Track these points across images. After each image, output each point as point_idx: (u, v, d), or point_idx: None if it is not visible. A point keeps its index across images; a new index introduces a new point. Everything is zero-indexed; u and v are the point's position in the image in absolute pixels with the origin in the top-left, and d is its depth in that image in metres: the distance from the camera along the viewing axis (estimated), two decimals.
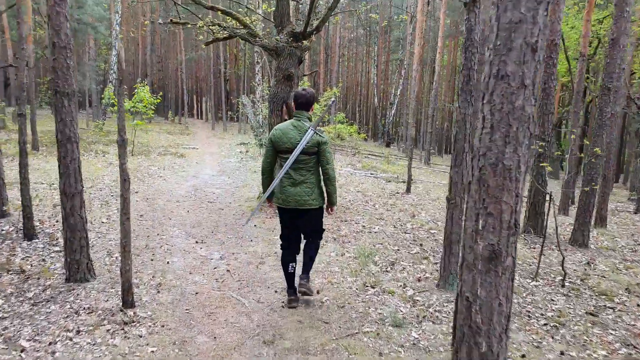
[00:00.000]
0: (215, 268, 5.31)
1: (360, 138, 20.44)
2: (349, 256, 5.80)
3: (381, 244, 6.45)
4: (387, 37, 40.85)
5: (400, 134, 36.19)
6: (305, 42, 8.45)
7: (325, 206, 4.09)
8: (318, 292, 4.52)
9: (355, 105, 44.95)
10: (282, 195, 3.88)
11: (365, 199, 10.04)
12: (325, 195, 4.03)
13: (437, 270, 5.29)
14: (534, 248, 6.56)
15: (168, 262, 5.42)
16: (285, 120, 7.63)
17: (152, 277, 4.92)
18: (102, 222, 6.99)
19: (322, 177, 3.95)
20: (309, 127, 3.76)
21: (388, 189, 11.91)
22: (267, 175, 4.06)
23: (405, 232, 7.26)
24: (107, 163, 12.89)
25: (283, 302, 4.26)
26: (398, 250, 6.19)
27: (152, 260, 5.48)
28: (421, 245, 6.52)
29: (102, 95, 16.43)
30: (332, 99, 5.57)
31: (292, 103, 3.99)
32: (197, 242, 6.30)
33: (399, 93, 33.74)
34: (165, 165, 13.39)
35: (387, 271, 5.32)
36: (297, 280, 4.25)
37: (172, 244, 6.17)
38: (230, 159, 16.11)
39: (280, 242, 4.17)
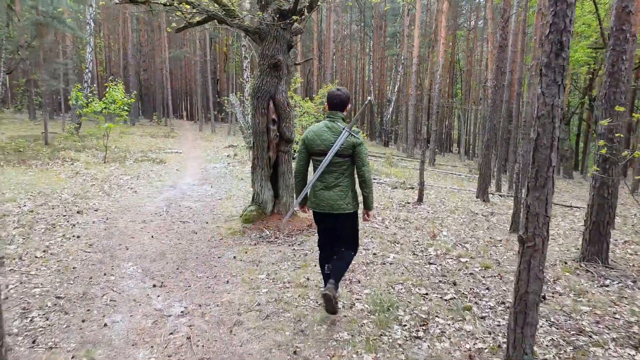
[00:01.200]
0: (171, 334, 3.68)
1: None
2: (361, 309, 4.16)
3: (402, 284, 4.81)
4: (381, 33, 39.25)
5: (399, 132, 34.59)
6: (296, 23, 6.79)
7: (361, 212, 3.93)
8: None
9: (351, 104, 43.34)
10: (315, 199, 3.78)
11: (372, 212, 8.38)
12: (359, 199, 3.80)
13: (493, 338, 3.65)
14: (606, 286, 4.93)
15: (106, 325, 3.80)
16: (273, 120, 5.90)
17: (72, 358, 3.27)
18: (35, 257, 5.32)
19: (357, 180, 3.80)
20: (343, 128, 3.62)
21: (396, 198, 10.27)
22: (301, 179, 3.92)
23: (430, 263, 5.62)
24: (74, 172, 11.19)
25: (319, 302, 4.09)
26: (427, 295, 4.54)
27: (83, 321, 3.85)
28: (455, 284, 4.88)
29: (70, 96, 14.67)
30: (369, 98, 4.50)
31: (326, 104, 3.81)
32: (154, 285, 4.66)
33: (396, 90, 32.14)
34: (139, 174, 11.69)
35: (418, 337, 3.67)
36: None
37: (120, 289, 4.54)
38: (215, 164, 14.42)
39: (318, 240, 4.12)
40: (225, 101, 18.54)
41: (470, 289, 4.74)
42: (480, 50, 42.06)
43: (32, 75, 16.09)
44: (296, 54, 27.98)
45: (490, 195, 11.39)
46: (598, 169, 5.35)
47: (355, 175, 3.82)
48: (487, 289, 4.76)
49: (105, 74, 31.79)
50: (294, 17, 6.18)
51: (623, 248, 6.91)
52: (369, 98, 4.81)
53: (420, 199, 9.51)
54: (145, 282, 4.76)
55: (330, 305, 3.66)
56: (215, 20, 6.95)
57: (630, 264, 5.76)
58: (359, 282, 4.83)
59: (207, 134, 27.08)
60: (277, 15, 6.34)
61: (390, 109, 31.77)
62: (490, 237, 7.09)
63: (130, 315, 3.97)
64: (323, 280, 4.08)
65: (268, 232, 6.42)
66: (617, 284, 4.98)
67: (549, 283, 4.91)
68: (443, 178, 16.77)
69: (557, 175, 25.02)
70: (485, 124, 28.39)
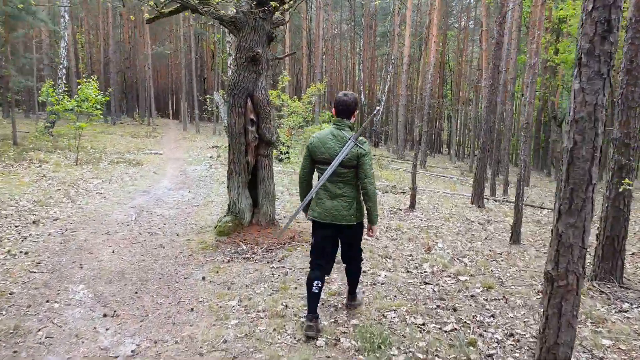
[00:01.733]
0: None
1: None
2: (348, 346, 3.50)
3: (395, 310, 4.15)
4: (372, 32, 38.67)
5: (389, 133, 34.03)
6: (277, 13, 6.12)
7: (365, 225, 3.83)
8: None
9: None
10: (318, 208, 3.64)
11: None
12: (364, 211, 3.73)
13: None
14: (625, 311, 4.32)
15: None
16: (252, 120, 5.15)
17: None
18: None
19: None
20: (349, 138, 3.50)
21: (386, 203, 9.62)
22: (305, 185, 3.80)
23: (426, 282, 4.97)
24: (39, 176, 10.38)
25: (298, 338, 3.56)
26: (424, 326, 3.89)
27: None
28: (455, 310, 4.23)
29: (40, 92, 13.81)
30: (378, 108, 3.95)
31: (333, 109, 3.69)
32: (105, 315, 3.96)
33: (386, 90, 31.56)
34: (112, 178, 10.92)
35: None
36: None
37: (62, 320, 3.84)
38: (196, 167, 13.69)
39: (310, 259, 3.76)
40: (208, 99, 17.79)
41: (473, 316, 4.10)
42: (471, 50, 41.71)
43: (5, 72, 15.19)
44: (284, 52, 27.26)
45: (485, 200, 10.80)
46: (628, 181, 4.74)
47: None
48: (492, 316, 4.13)
49: (86, 70, 30.85)
50: (273, 4, 5.50)
51: (632, 262, 6.34)
52: (377, 107, 4.28)
53: (412, 205, 8.88)
54: (95, 310, 4.05)
55: (314, 333, 3.57)
56: (201, 16, 6.25)
57: None
58: (344, 309, 4.17)
59: (191, 133, 26.23)
60: (255, 2, 5.66)
61: (381, 109, 31.16)
62: (490, 250, 6.48)
63: (68, 359, 3.27)
64: (307, 304, 3.64)
65: (244, 247, 5.73)
66: (636, 307, 4.38)
67: None
68: (435, 181, 16.18)
69: (548, 177, 24.64)
70: (476, 125, 28.03)
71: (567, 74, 23.97)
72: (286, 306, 4.15)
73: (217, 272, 5.01)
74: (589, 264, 5.75)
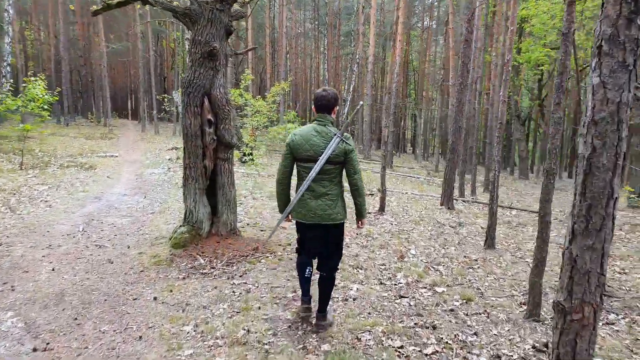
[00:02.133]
0: None
1: None
2: None
3: (370, 331, 3.75)
4: (336, 32, 38.41)
5: (355, 133, 33.84)
6: (236, 5, 5.64)
7: (355, 220, 3.76)
8: None
9: (307, 103, 42.26)
10: (302, 210, 3.51)
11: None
12: (346, 208, 3.64)
13: None
14: (612, 324, 4.05)
15: None
16: (209, 120, 4.48)
17: None
18: None
19: (348, 188, 3.60)
20: (334, 134, 3.40)
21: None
22: (284, 186, 3.67)
23: (401, 296, 4.59)
24: None
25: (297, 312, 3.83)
26: (402, 349, 3.49)
27: None
28: (434, 328, 3.86)
29: None
30: (361, 102, 3.66)
31: (313, 106, 3.58)
32: (35, 349, 3.41)
33: (351, 89, 31.31)
34: (61, 183, 10.12)
35: None
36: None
37: None
38: (154, 170, 12.97)
39: (297, 247, 3.81)
40: (165, 99, 17.01)
41: (455, 335, 3.74)
42: (434, 50, 42.04)
43: None
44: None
45: (454, 201, 10.58)
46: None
47: (345, 183, 3.63)
48: (475, 334, 3.78)
49: (36, 69, 29.27)
50: None
51: (610, 265, 6.16)
52: (361, 102, 4.02)
53: (382, 208, 8.53)
54: (23, 343, 3.48)
55: (311, 313, 3.74)
56: (159, 12, 5.67)
57: (625, 287, 4.96)
58: (316, 330, 3.73)
59: (149, 134, 25.21)
60: None
61: (346, 109, 30.87)
62: (465, 256, 6.17)
63: None
64: (301, 287, 3.83)
65: (202, 261, 5.21)
66: (622, 318, 4.13)
67: (546, 321, 3.98)
68: (402, 181, 15.96)
69: (512, 176, 24.93)
70: (441, 124, 28.13)
71: (528, 74, 24.31)
72: (248, 331, 3.68)
73: (171, 291, 4.48)
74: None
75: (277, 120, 19.50)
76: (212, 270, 5.04)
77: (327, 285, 3.70)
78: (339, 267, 3.82)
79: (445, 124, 25.29)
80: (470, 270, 5.57)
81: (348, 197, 3.77)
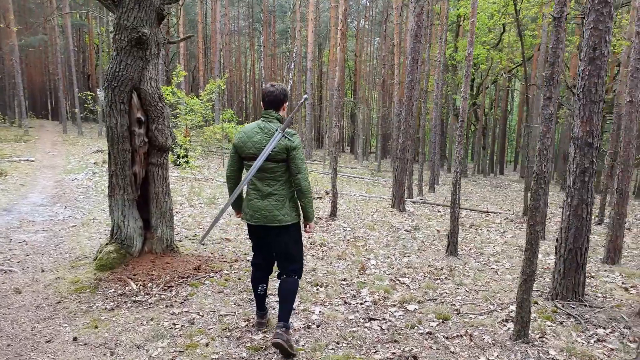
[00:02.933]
0: None
1: None
2: None
3: None
4: (271, 30, 37.64)
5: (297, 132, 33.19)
6: None
7: (296, 222, 3.38)
8: None
9: (243, 102, 41.15)
10: (250, 210, 3.32)
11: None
12: (299, 211, 3.40)
13: None
14: (603, 340, 3.69)
15: None
16: (139, 120, 4.73)
17: None
18: None
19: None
20: (276, 129, 3.18)
21: None
22: (233, 184, 3.46)
23: (370, 318, 4.03)
24: None
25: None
26: None
27: None
28: (415, 358, 3.32)
29: None
30: (305, 96, 3.00)
31: (261, 103, 3.38)
32: None
33: (289, 88, 30.68)
34: None
35: None
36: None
37: None
38: (77, 175, 11.69)
39: (250, 259, 3.67)
40: (90, 97, 15.57)
41: None
42: (369, 50, 42.30)
43: None
44: (177, 50, 25.19)
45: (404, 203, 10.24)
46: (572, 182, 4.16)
47: None
48: None
49: None
50: None
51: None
52: (305, 96, 3.47)
53: (333, 213, 7.98)
54: None
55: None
56: (85, 4, 4.73)
57: (604, 297, 4.69)
58: (276, 349, 3.09)
59: (72, 136, 23.22)
60: None
61: (308, 98, 30.22)
62: (429, 265, 5.73)
63: None
64: (255, 302, 3.69)
65: (134, 286, 4.38)
66: (611, 333, 3.80)
67: (535, 342, 3.56)
68: (347, 182, 15.52)
69: (449, 173, 25.30)
70: (382, 123, 28.14)
71: (462, 73, 24.73)
72: None
73: (96, 327, 3.65)
74: (547, 281, 5.20)
75: (212, 120, 18.48)
76: (147, 296, 4.24)
77: (287, 290, 3.34)
78: (299, 270, 3.44)
79: (386, 124, 25.28)
80: (438, 281, 5.12)
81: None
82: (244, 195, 3.47)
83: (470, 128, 30.24)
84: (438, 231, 7.87)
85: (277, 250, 3.41)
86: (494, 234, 8.02)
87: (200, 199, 9.24)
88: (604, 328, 3.85)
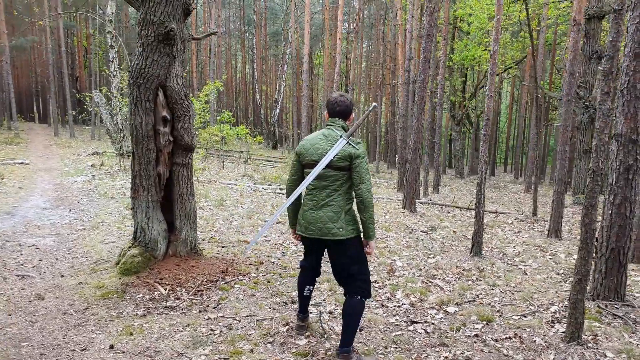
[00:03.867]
0: None
1: (255, 141, 16.66)
2: None
3: None
4: (262, 32, 37.46)
5: (287, 134, 33.10)
6: None
7: (353, 237, 3.08)
8: None
9: (236, 104, 40.88)
10: (304, 222, 3.16)
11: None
12: (357, 225, 3.11)
13: None
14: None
15: None
16: (165, 118, 4.57)
17: None
18: None
19: (355, 200, 3.11)
20: (340, 136, 3.03)
21: None
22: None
23: (412, 321, 3.91)
24: None
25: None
26: None
27: None
28: None
29: None
30: (374, 104, 2.85)
31: (325, 112, 3.28)
32: None
33: (282, 90, 30.57)
34: None
35: None
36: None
37: None
38: (76, 178, 11.41)
39: (300, 260, 3.53)
40: (87, 98, 15.28)
41: None
42: (360, 52, 42.32)
43: None
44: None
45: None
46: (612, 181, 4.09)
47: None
48: None
49: None
50: None
51: None
52: (373, 104, 3.34)
53: None
54: None
55: (305, 330, 3.50)
56: (77, 5, 4.54)
57: (632, 293, 4.62)
58: None
59: (64, 139, 22.79)
60: None
61: (278, 110, 30.06)
62: (457, 266, 5.63)
63: None
64: (298, 303, 3.58)
65: (163, 291, 4.21)
66: None
67: (589, 344, 3.47)
68: None
69: (445, 174, 25.38)
70: (387, 128, 28.04)
71: (456, 75, 24.80)
72: None
73: (131, 334, 3.48)
74: (560, 273, 5.13)
75: (208, 121, 18.24)
76: (178, 301, 4.07)
77: (348, 313, 3.09)
78: (363, 289, 3.09)
79: (391, 127, 25.19)
80: (470, 282, 5.02)
81: None
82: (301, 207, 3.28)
83: (463, 130, 30.40)
84: (454, 232, 7.78)
85: (336, 268, 3.20)
86: (510, 234, 7.96)
87: (208, 201, 9.06)
88: None
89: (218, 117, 17.00)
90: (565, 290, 4.73)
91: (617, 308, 4.13)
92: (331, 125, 3.17)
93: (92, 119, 23.88)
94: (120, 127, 14.46)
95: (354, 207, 3.15)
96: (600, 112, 3.12)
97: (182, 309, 3.94)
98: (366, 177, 3.02)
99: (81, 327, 3.59)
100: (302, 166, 3.23)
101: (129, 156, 14.14)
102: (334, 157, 3.00)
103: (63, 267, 5.00)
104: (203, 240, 6.14)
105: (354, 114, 3.29)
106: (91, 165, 13.59)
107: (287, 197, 3.34)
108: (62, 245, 5.90)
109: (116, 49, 14.74)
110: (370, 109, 3.32)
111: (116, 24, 18.91)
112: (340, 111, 3.17)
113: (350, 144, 3.01)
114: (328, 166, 3.02)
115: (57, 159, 15.38)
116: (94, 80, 26.66)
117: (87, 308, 3.92)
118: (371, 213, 3.05)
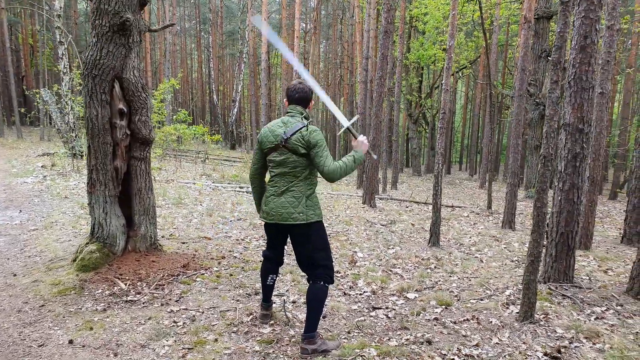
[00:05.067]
0: None
1: (214, 140, 16.41)
2: None
3: (362, 356, 3.09)
4: (219, 30, 37.00)
5: (244, 134, 32.84)
6: None
7: (313, 222, 3.10)
8: None
9: (193, 104, 40.18)
10: (266, 208, 3.20)
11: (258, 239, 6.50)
12: (318, 211, 3.16)
13: None
14: (603, 318, 3.84)
15: None
16: (121, 111, 4.51)
17: None
18: None
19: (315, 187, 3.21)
20: (299, 121, 3.10)
21: None
22: (256, 184, 3.40)
23: (374, 307, 3.99)
24: None
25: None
26: None
27: None
28: (430, 343, 3.32)
29: None
30: (357, 116, 3.01)
31: (285, 99, 3.29)
32: None
33: (240, 89, 30.30)
34: None
35: None
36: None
37: None
38: (25, 179, 10.93)
39: (263, 250, 3.55)
40: (37, 95, 14.68)
41: (457, 349, 3.22)
42: (318, 52, 42.50)
43: None
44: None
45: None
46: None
47: (324, 184, 2.62)
48: (477, 345, 3.30)
49: None
50: None
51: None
52: (356, 116, 3.35)
53: None
54: None
55: (269, 319, 3.60)
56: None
57: (589, 278, 4.89)
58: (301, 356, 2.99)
59: (11, 140, 21.74)
60: None
61: (236, 110, 29.77)
62: (415, 255, 5.78)
63: None
64: (262, 292, 3.59)
65: (123, 285, 4.12)
66: (606, 310, 3.96)
67: (541, 322, 3.65)
68: None
69: (402, 173, 25.86)
70: (332, 123, 28.23)
71: (411, 74, 25.33)
72: None
73: (91, 328, 3.40)
74: (513, 260, 5.37)
75: (163, 121, 17.87)
76: (139, 296, 4.00)
77: (311, 298, 3.10)
78: (325, 275, 3.10)
79: (336, 123, 25.38)
80: (429, 270, 5.17)
81: (323, 198, 3.16)
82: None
83: (419, 130, 31.06)
84: (412, 225, 7.97)
85: (298, 255, 3.20)
86: (466, 226, 8.22)
87: (166, 200, 8.89)
88: (599, 306, 4.01)
89: (174, 116, 16.70)
90: (518, 276, 4.94)
91: (566, 289, 4.35)
92: (291, 112, 3.19)
93: (42, 120, 22.90)
94: (72, 126, 13.97)
95: (316, 193, 3.19)
96: (550, 100, 3.29)
97: (143, 303, 3.87)
98: (326, 162, 2.99)
99: (38, 324, 3.48)
100: (264, 154, 3.23)
101: (82, 156, 13.68)
102: (294, 137, 3.01)
103: (15, 266, 4.81)
104: (162, 237, 6.03)
105: (313, 102, 3.30)
106: (42, 166, 13.04)
107: (251, 185, 3.40)
108: (13, 245, 5.66)
109: (66, 46, 14.22)
110: (353, 119, 3.41)
111: (65, 21, 18.19)
112: (299, 98, 3.18)
113: (307, 129, 3.03)
114: (288, 149, 3.03)
115: (4, 160, 14.67)
116: (42, 78, 25.61)
117: (43, 305, 3.79)
118: (345, 172, 3.02)
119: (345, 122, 3.17)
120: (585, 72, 4.08)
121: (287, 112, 3.22)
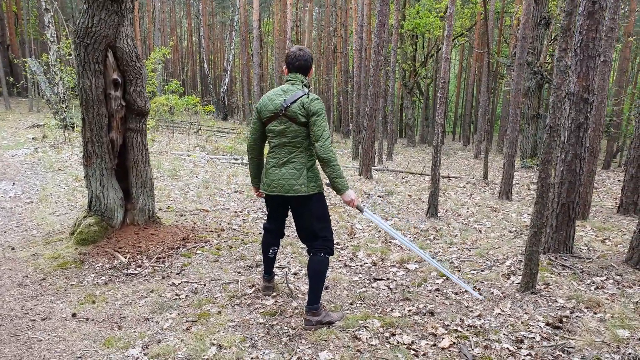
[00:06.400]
0: None
1: (206, 110, 16.19)
2: None
3: (365, 327, 3.12)
4: None
5: (236, 104, 32.46)
6: None
7: (315, 193, 3.05)
8: None
9: (183, 74, 39.51)
10: (267, 180, 3.14)
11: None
12: (320, 182, 3.09)
13: None
14: (603, 288, 3.87)
15: None
16: (115, 81, 4.37)
17: None
18: None
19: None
20: (299, 89, 3.01)
21: None
22: (254, 155, 3.32)
23: (375, 278, 4.01)
24: None
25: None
26: (414, 346, 2.91)
27: None
28: (432, 314, 3.35)
29: None
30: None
31: (284, 66, 3.15)
32: None
33: (231, 59, 29.78)
34: None
35: None
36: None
37: None
38: (16, 151, 10.78)
39: (264, 222, 3.55)
40: (26, 66, 14.33)
41: (460, 320, 3.25)
42: (310, 19, 41.68)
43: None
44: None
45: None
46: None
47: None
48: (479, 316, 3.33)
49: None
50: None
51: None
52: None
53: None
54: None
55: (272, 291, 3.62)
56: None
57: (588, 248, 4.92)
58: (305, 327, 3.01)
59: None
60: None
61: (227, 80, 29.32)
62: (414, 227, 5.79)
63: None
64: (263, 265, 3.59)
65: (123, 259, 4.10)
66: (606, 280, 4.00)
67: (542, 292, 3.68)
68: None
69: (396, 143, 25.81)
70: (338, 97, 27.93)
71: (406, 44, 24.97)
72: (220, 346, 2.82)
73: (93, 302, 3.38)
74: (512, 230, 5.39)
75: (155, 92, 17.57)
76: (139, 269, 3.98)
77: (313, 269, 3.09)
78: (325, 246, 3.09)
79: (344, 97, 25.13)
80: (428, 242, 5.19)
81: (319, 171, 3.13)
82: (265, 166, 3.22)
83: (414, 100, 30.85)
84: (409, 196, 7.97)
85: (299, 226, 3.17)
86: (463, 197, 8.24)
87: (161, 172, 8.81)
88: (598, 276, 4.05)
89: (165, 87, 16.41)
90: (518, 246, 4.97)
91: (566, 259, 4.38)
92: (291, 80, 3.09)
93: (30, 90, 22.45)
94: (62, 97, 13.69)
95: (317, 164, 3.10)
96: (558, 68, 3.23)
97: (144, 276, 3.85)
98: (323, 134, 2.92)
99: (40, 298, 3.46)
100: (262, 124, 3.14)
101: (73, 128, 13.46)
102: (293, 105, 2.93)
103: (13, 239, 4.76)
104: (160, 209, 5.99)
105: (313, 69, 3.20)
106: (32, 138, 12.84)
107: (248, 154, 3.34)
108: (9, 218, 5.60)
109: (52, 13, 13.79)
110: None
111: None
112: (299, 66, 3.07)
113: (308, 96, 2.96)
114: (288, 118, 2.96)
115: None
116: (28, 48, 24.99)
117: (44, 279, 3.77)
118: (333, 168, 2.94)
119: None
120: (593, 39, 4.00)
121: (287, 80, 3.11)
